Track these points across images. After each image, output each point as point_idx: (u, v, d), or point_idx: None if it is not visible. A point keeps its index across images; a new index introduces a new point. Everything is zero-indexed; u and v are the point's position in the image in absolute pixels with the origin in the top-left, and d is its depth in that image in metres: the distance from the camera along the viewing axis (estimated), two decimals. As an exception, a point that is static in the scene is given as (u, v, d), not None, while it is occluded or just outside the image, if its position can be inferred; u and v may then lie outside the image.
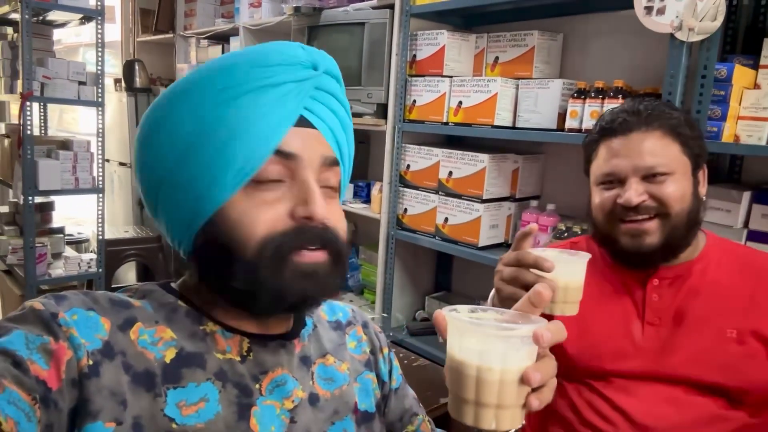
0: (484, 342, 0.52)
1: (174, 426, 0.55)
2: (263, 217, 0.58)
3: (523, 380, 0.52)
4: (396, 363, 0.81)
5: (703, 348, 0.99)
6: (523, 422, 0.55)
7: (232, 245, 0.58)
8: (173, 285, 0.66)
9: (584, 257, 0.85)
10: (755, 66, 1.46)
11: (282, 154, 0.58)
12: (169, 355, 0.59)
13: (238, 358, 0.62)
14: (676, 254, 1.04)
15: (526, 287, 0.80)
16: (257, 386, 0.62)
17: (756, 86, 1.45)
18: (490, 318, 0.58)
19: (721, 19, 1.38)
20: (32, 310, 0.54)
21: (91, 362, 0.53)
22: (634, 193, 0.99)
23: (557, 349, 0.56)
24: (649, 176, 1.00)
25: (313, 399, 0.66)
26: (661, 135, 1.01)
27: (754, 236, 1.47)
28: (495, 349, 0.52)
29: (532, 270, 0.82)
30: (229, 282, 0.59)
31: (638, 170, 1.00)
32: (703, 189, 1.07)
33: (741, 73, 1.42)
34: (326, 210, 0.59)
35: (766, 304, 0.99)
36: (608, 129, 1.04)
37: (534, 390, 0.53)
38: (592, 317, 1.06)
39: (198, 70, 0.61)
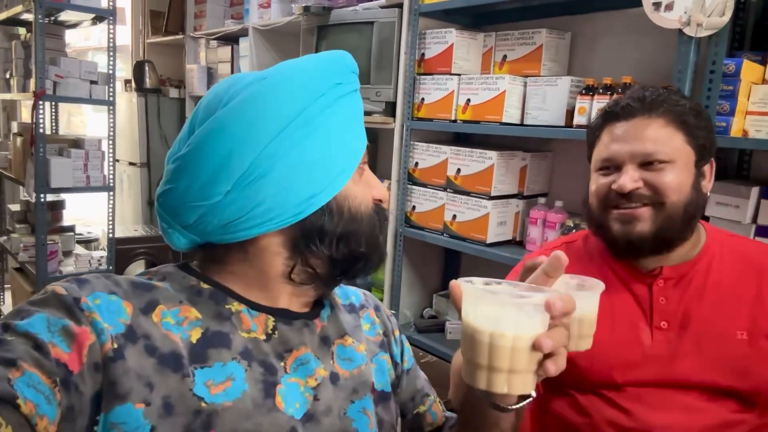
0: (498, 309, 0.54)
1: (203, 405, 0.57)
2: (366, 193, 0.69)
3: (535, 347, 0.53)
4: (407, 345, 0.82)
5: (714, 352, 0.96)
6: (534, 389, 0.56)
7: (354, 217, 0.66)
8: (192, 266, 0.67)
9: (598, 290, 0.79)
10: (763, 62, 1.46)
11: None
12: (195, 335, 0.60)
13: (263, 337, 0.63)
14: (671, 247, 1.00)
15: None
16: (282, 364, 0.63)
17: (764, 81, 1.46)
18: (504, 289, 0.60)
19: (729, 14, 1.39)
20: (54, 294, 0.55)
21: (115, 346, 0.54)
22: (629, 179, 0.96)
23: (568, 363, 0.57)
24: (647, 163, 0.97)
25: (334, 378, 0.67)
26: (665, 122, 0.98)
27: (763, 231, 1.47)
28: (508, 315, 0.54)
29: None
30: (357, 248, 0.66)
31: (636, 156, 0.97)
32: (708, 184, 1.03)
33: (749, 69, 1.43)
34: None
35: None
36: (611, 113, 1.02)
37: (548, 357, 0.54)
38: (601, 326, 0.99)
39: (308, 60, 0.66)
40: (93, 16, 2.89)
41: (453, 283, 0.59)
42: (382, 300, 2.44)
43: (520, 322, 0.54)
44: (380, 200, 0.70)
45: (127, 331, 0.56)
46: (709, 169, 1.04)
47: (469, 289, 0.57)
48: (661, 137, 0.97)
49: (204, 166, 0.60)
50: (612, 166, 1.01)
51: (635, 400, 0.99)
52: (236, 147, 0.59)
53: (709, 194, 1.06)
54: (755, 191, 1.48)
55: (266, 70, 0.65)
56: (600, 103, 1.68)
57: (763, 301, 0.98)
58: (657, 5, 1.51)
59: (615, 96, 1.64)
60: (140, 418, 0.54)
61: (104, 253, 2.98)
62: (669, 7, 1.48)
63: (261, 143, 0.59)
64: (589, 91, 1.72)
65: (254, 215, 0.61)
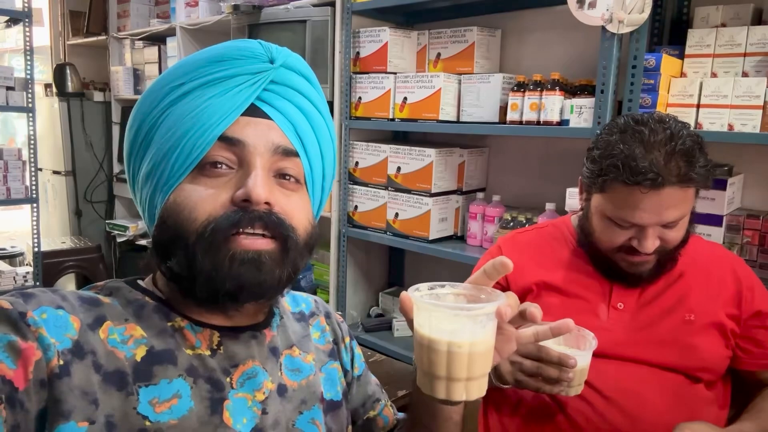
0: (453, 321, 0.56)
1: (147, 423, 0.56)
2: (206, 201, 0.58)
3: (498, 315, 0.56)
4: (358, 351, 0.82)
5: (663, 333, 1.05)
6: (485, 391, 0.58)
7: (178, 230, 0.58)
8: (140, 282, 0.66)
9: (592, 346, 0.94)
10: (681, 56, 1.54)
11: (228, 140, 0.59)
12: (140, 353, 0.58)
13: (208, 353, 0.62)
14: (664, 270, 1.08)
15: (548, 380, 0.91)
16: (228, 380, 0.62)
17: (682, 74, 1.54)
18: (448, 293, 0.61)
19: (648, 11, 1.46)
20: None
21: (62, 362, 0.53)
22: (652, 243, 0.99)
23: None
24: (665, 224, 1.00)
25: (282, 390, 0.67)
26: (690, 188, 0.97)
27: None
28: (464, 326, 0.55)
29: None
30: (174, 268, 0.59)
31: (661, 223, 0.98)
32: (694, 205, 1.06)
33: (668, 63, 1.51)
34: (273, 195, 0.60)
35: (718, 291, 1.07)
36: (640, 178, 0.94)
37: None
38: (561, 297, 1.11)
39: (166, 70, 0.64)
40: (7, 18, 2.72)
41: (403, 294, 0.60)
42: (327, 302, 2.42)
43: (475, 332, 0.56)
44: (246, 200, 0.57)
45: (75, 347, 0.55)
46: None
47: (420, 301, 0.57)
48: (681, 202, 0.97)
49: None
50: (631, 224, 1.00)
51: (592, 369, 1.03)
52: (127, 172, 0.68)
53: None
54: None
55: None
56: (531, 99, 1.72)
57: (710, 288, 1.07)
58: (581, 3, 1.56)
59: (545, 92, 1.69)
60: None
61: (30, 269, 2.82)
62: (592, 5, 1.54)
63: (129, 165, 0.66)
64: (520, 87, 1.76)
65: (148, 218, 0.65)
